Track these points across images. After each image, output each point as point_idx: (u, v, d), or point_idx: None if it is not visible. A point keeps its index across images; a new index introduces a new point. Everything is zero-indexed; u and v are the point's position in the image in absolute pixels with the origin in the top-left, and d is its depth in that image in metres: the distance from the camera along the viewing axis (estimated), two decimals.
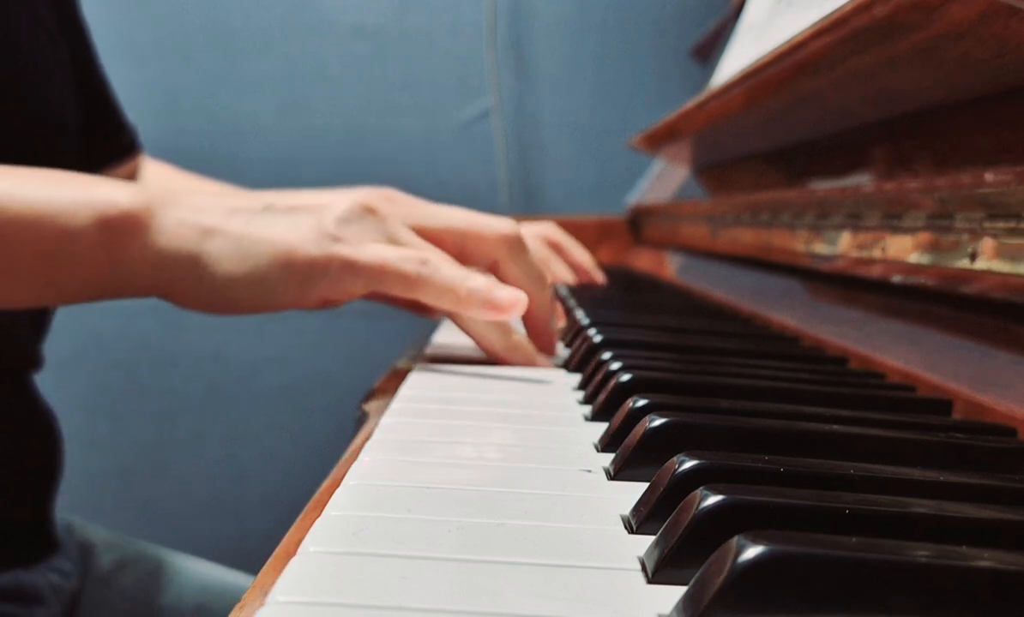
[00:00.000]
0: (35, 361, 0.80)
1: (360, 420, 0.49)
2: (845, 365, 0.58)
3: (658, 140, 1.11)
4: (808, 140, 0.79)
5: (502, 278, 0.59)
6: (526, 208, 1.67)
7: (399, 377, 0.55)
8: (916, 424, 0.41)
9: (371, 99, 1.67)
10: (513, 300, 0.55)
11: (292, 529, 0.31)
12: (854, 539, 0.24)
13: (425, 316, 0.66)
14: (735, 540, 0.23)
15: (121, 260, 0.54)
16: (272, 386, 1.70)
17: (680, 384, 0.47)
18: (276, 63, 1.66)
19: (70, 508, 0.92)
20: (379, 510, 0.31)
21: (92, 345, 1.67)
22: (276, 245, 0.54)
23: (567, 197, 1.69)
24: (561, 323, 0.67)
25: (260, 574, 0.27)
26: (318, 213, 0.55)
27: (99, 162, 0.90)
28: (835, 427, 0.38)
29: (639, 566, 0.28)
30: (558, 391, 0.54)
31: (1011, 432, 0.41)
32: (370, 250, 0.54)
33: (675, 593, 0.25)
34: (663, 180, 1.34)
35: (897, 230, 0.54)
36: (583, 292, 0.93)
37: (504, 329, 0.59)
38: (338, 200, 0.56)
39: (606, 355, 0.52)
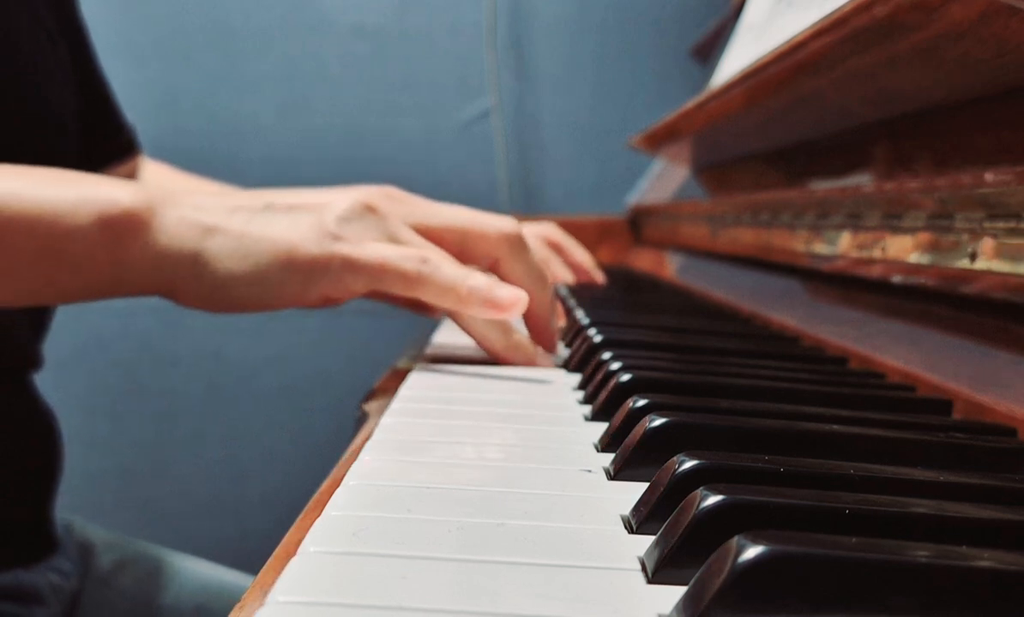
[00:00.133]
0: (35, 361, 0.80)
1: (360, 420, 0.49)
2: (845, 365, 0.58)
3: (658, 140, 1.11)
4: (808, 140, 0.79)
5: (503, 277, 0.59)
6: (526, 208, 1.67)
7: (399, 377, 0.55)
8: (916, 424, 0.41)
9: (371, 99, 1.67)
10: (514, 299, 0.55)
11: (292, 529, 0.31)
12: (854, 539, 0.24)
13: (425, 315, 0.66)
14: (735, 540, 0.23)
15: (122, 259, 0.54)
16: (272, 386, 1.70)
17: (680, 384, 0.47)
18: (276, 63, 1.66)
19: (70, 508, 0.92)
20: (379, 510, 0.31)
21: (92, 345, 1.67)
22: (277, 243, 0.54)
23: (567, 197, 1.69)
24: (561, 323, 0.67)
25: (260, 574, 0.27)
26: (319, 212, 0.55)
27: (98, 162, 0.91)
28: (835, 427, 0.38)
29: (639, 566, 0.28)
30: (558, 391, 0.54)
31: (1011, 432, 0.41)
32: (371, 248, 0.54)
33: (675, 593, 0.25)
34: (663, 180, 1.34)
35: (897, 230, 0.54)
36: (583, 292, 0.93)
37: (505, 328, 0.59)
38: (339, 198, 0.56)
39: (606, 355, 0.52)
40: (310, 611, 0.24)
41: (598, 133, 1.68)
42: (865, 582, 0.23)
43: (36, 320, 0.81)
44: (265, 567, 0.28)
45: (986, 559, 0.24)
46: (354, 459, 0.37)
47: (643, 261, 1.32)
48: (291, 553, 0.27)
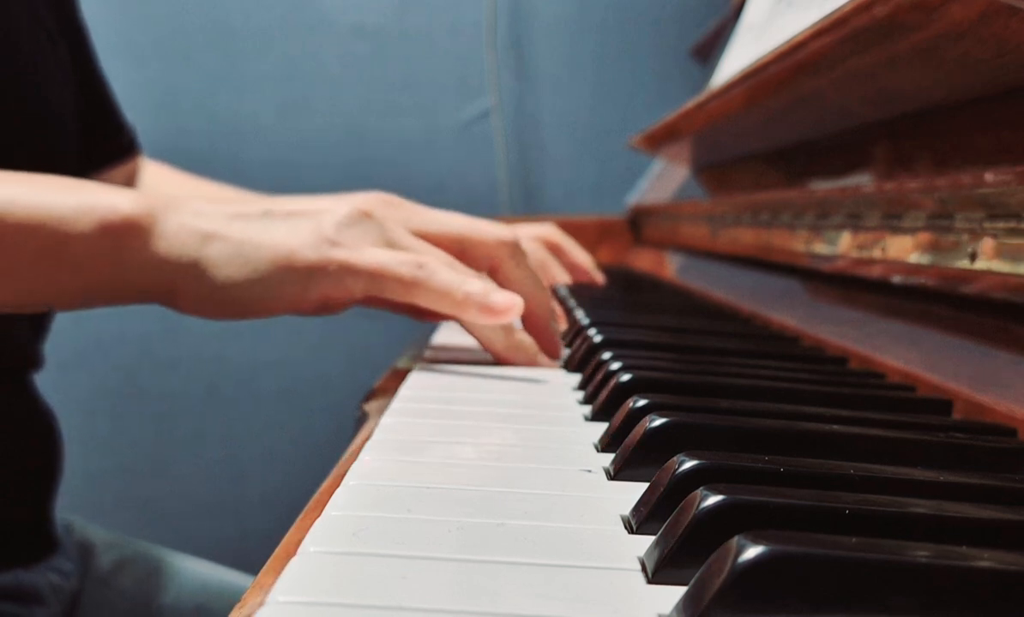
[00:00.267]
0: (35, 361, 0.80)
1: (360, 420, 0.49)
2: (845, 365, 0.58)
3: (658, 140, 1.11)
4: (808, 140, 0.79)
5: (501, 282, 0.60)
6: (526, 208, 1.67)
7: (399, 377, 0.56)
8: (916, 424, 0.41)
9: (371, 99, 1.67)
10: (508, 304, 0.56)
11: (292, 529, 0.31)
12: (854, 539, 0.24)
13: (425, 320, 0.66)
14: (735, 540, 0.23)
15: (122, 265, 0.54)
16: (272, 387, 1.70)
17: (680, 384, 0.47)
18: (276, 63, 1.66)
19: (70, 508, 0.92)
20: (379, 510, 0.31)
21: (93, 346, 1.67)
22: (275, 249, 0.54)
23: (567, 197, 1.69)
24: (562, 326, 0.67)
25: (260, 574, 0.27)
26: (317, 218, 0.56)
27: (98, 162, 0.90)
28: (835, 427, 0.38)
29: (639, 566, 0.28)
30: (558, 391, 0.54)
31: (1011, 432, 0.41)
32: (368, 254, 0.55)
33: (675, 593, 0.25)
34: (663, 180, 1.34)
35: (897, 230, 0.54)
36: (583, 292, 0.93)
37: (507, 328, 0.59)
38: (337, 205, 0.57)
39: (606, 355, 0.52)
40: (310, 611, 0.24)
41: (598, 133, 1.68)
42: (865, 582, 0.23)
43: (36, 321, 0.81)
44: (265, 567, 0.28)
45: (986, 559, 0.24)
46: (354, 459, 0.37)
47: (643, 261, 1.32)
48: (291, 553, 0.27)
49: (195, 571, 0.87)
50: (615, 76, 1.68)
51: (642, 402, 0.41)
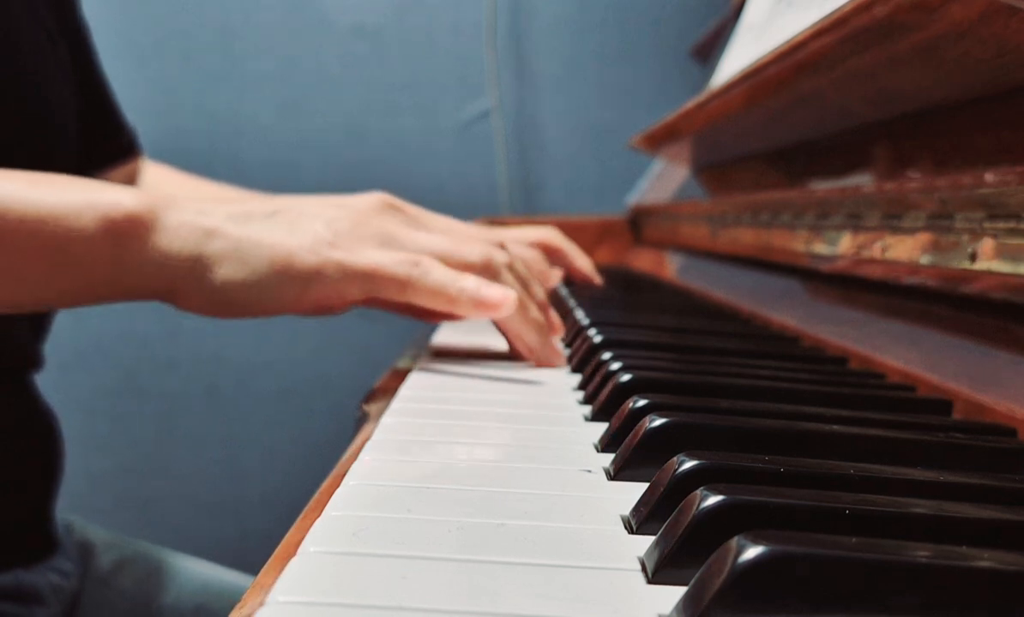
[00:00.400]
0: (35, 361, 0.80)
1: (360, 420, 0.49)
2: (845, 365, 0.58)
3: (658, 140, 1.11)
4: (808, 140, 0.79)
5: None
6: (526, 208, 1.67)
7: (399, 377, 0.56)
8: (916, 424, 0.41)
9: (371, 99, 1.67)
10: (502, 297, 0.56)
11: (292, 529, 0.31)
12: (854, 539, 0.24)
13: (426, 321, 0.66)
14: (735, 540, 0.23)
15: (125, 261, 0.54)
16: (272, 387, 1.70)
17: (680, 384, 0.47)
18: (276, 63, 1.66)
19: (70, 508, 0.92)
20: (379, 510, 0.31)
21: (93, 346, 1.67)
22: (275, 249, 0.55)
23: (567, 197, 1.69)
24: (558, 334, 0.67)
25: (260, 574, 0.27)
26: (317, 220, 0.57)
27: (98, 163, 0.90)
28: (835, 427, 0.38)
29: (639, 566, 0.28)
30: (558, 391, 0.54)
31: (1011, 432, 0.41)
32: (365, 255, 0.56)
33: (675, 593, 0.25)
34: (663, 180, 1.34)
35: (897, 230, 0.54)
36: (583, 292, 0.93)
37: (540, 328, 0.61)
38: (337, 207, 0.58)
39: (606, 355, 0.52)
40: (310, 611, 0.24)
41: (598, 133, 1.68)
42: (865, 582, 0.23)
43: (36, 321, 0.81)
44: (265, 567, 0.28)
45: (986, 559, 0.24)
46: (354, 459, 0.37)
47: (643, 261, 1.32)
48: (291, 553, 0.27)
49: (195, 571, 0.87)
50: (615, 76, 1.68)
51: (642, 402, 0.41)
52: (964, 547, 0.24)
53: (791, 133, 0.81)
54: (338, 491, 0.33)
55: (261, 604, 0.24)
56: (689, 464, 0.31)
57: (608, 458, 0.39)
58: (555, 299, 0.87)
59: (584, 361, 0.58)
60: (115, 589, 0.83)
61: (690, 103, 0.90)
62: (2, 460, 0.75)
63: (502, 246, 0.64)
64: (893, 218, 0.55)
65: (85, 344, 1.66)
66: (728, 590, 0.22)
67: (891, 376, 0.53)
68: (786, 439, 0.37)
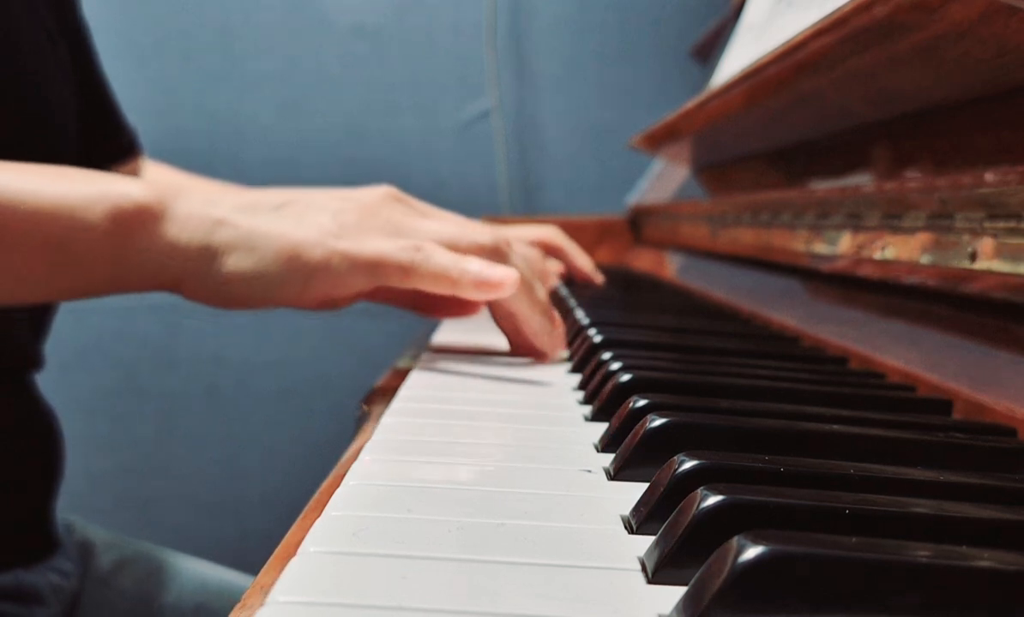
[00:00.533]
0: (36, 361, 0.80)
1: (360, 420, 0.49)
2: (845, 365, 0.58)
3: (658, 140, 1.11)
4: (808, 140, 0.79)
5: None
6: (526, 208, 1.67)
7: (400, 377, 0.56)
8: (916, 424, 0.41)
9: (371, 99, 1.67)
10: (504, 276, 0.56)
11: (292, 529, 0.31)
12: (854, 539, 0.24)
13: (432, 315, 0.66)
14: (735, 540, 0.23)
15: (134, 252, 0.55)
16: (272, 386, 1.70)
17: (680, 384, 0.47)
18: (276, 63, 1.66)
19: (70, 508, 0.92)
20: (379, 510, 0.31)
21: (93, 346, 1.67)
22: (282, 240, 0.55)
23: (567, 197, 1.69)
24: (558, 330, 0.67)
25: (260, 574, 0.27)
26: (323, 212, 0.57)
27: (98, 163, 0.90)
28: (835, 427, 0.38)
29: (639, 566, 0.28)
30: (558, 391, 0.54)
31: (1011, 432, 0.41)
32: (369, 244, 0.56)
33: (675, 593, 0.25)
34: (663, 180, 1.34)
35: (897, 230, 0.54)
36: (583, 292, 0.93)
37: (548, 314, 0.61)
38: (344, 200, 0.58)
39: (606, 355, 0.52)
40: (310, 611, 0.24)
41: (598, 133, 1.68)
42: (865, 582, 0.23)
43: (36, 320, 0.81)
44: (265, 567, 0.28)
45: (986, 559, 0.24)
46: (354, 459, 0.37)
47: (643, 261, 1.32)
48: (291, 553, 0.27)
49: (195, 571, 0.87)
50: (615, 76, 1.68)
51: (642, 402, 0.41)
52: (964, 547, 0.24)
53: (791, 133, 0.81)
54: (338, 491, 0.33)
55: (261, 604, 0.24)
56: (689, 464, 0.31)
57: (608, 458, 0.39)
58: (555, 299, 0.87)
59: (584, 361, 0.58)
60: (115, 589, 0.83)
61: (690, 103, 0.90)
62: (2, 460, 0.75)
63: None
64: (893, 218, 0.55)
65: (85, 344, 1.66)
66: (728, 590, 0.22)
67: (891, 376, 0.53)
68: (786, 439, 0.37)
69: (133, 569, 0.85)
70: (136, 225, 0.54)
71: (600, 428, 0.44)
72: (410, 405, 0.48)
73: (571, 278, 1.02)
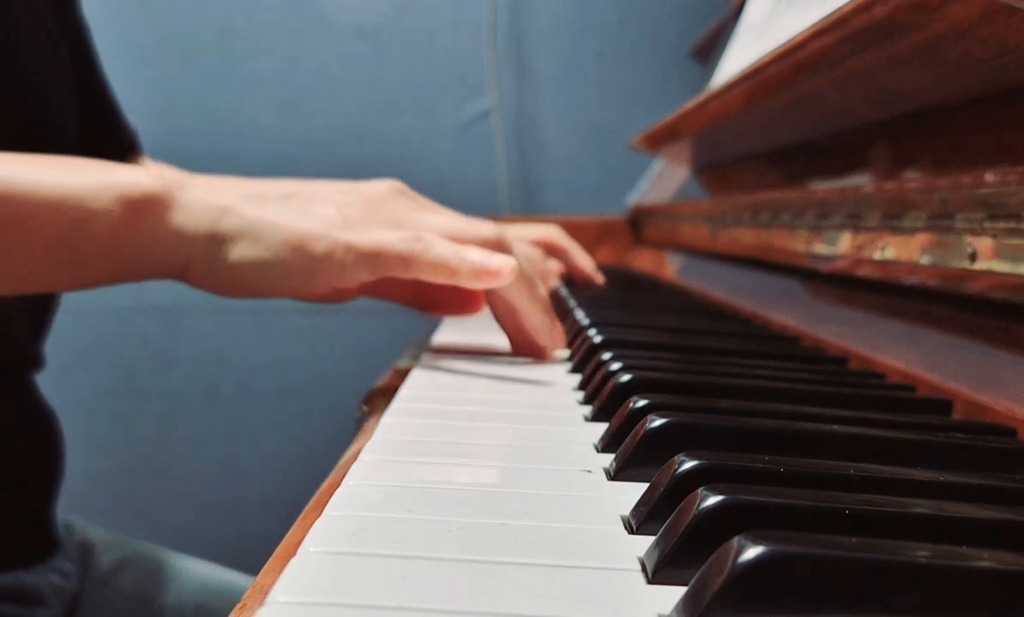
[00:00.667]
0: (36, 361, 0.80)
1: (360, 420, 0.49)
2: (845, 365, 0.58)
3: (658, 140, 1.11)
4: (808, 140, 0.79)
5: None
6: (526, 208, 1.67)
7: (400, 377, 0.56)
8: (916, 424, 0.41)
9: (371, 99, 1.67)
10: (502, 264, 0.57)
11: (292, 529, 0.31)
12: (854, 539, 0.24)
13: (432, 313, 0.67)
14: (735, 540, 0.23)
15: (142, 240, 0.55)
16: (272, 386, 1.70)
17: (680, 384, 0.47)
18: (276, 63, 1.66)
19: (70, 508, 0.92)
20: (379, 510, 0.31)
21: (93, 346, 1.67)
22: (287, 231, 0.56)
23: (567, 197, 1.69)
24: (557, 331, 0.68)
25: (260, 574, 0.27)
26: (328, 204, 0.58)
27: None
28: (835, 427, 0.38)
29: (639, 566, 0.28)
30: (558, 391, 0.54)
31: (1011, 432, 0.41)
32: (372, 235, 0.56)
33: (675, 593, 0.25)
34: (663, 180, 1.34)
35: (897, 230, 0.54)
36: (583, 292, 0.93)
37: (546, 307, 0.61)
38: (349, 192, 0.59)
39: (606, 355, 0.52)
40: (310, 611, 0.24)
41: (598, 133, 1.68)
42: (865, 582, 0.23)
43: (36, 320, 0.81)
44: (265, 567, 0.28)
45: (986, 559, 0.24)
46: (354, 459, 0.37)
47: (643, 261, 1.32)
48: (291, 553, 0.27)
49: (195, 571, 0.87)
50: (615, 76, 1.68)
51: (642, 402, 0.41)
52: (964, 547, 0.24)
53: (791, 133, 0.81)
54: (338, 491, 0.33)
55: (261, 604, 0.24)
56: (689, 464, 0.31)
57: (608, 458, 0.39)
58: (555, 299, 0.87)
59: (584, 361, 0.58)
60: (115, 589, 0.83)
61: (690, 103, 0.90)
62: (2, 460, 0.75)
63: None
64: (893, 218, 0.55)
65: (85, 344, 1.66)
66: (728, 590, 0.22)
67: (891, 376, 0.53)
68: (786, 439, 0.37)
69: (133, 569, 0.85)
70: (144, 213, 0.55)
71: (600, 428, 0.44)
72: (410, 405, 0.48)
73: (571, 278, 1.02)
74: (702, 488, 0.28)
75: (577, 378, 0.57)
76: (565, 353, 0.65)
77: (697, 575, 0.24)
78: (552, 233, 1.01)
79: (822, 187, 0.72)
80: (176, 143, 1.54)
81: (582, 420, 0.47)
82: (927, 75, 0.54)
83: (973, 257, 0.46)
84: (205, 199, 0.56)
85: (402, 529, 0.29)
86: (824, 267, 0.66)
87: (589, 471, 0.37)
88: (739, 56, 0.90)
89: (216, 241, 0.56)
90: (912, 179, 0.57)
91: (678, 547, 0.26)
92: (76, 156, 0.81)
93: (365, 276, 0.57)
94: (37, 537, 0.78)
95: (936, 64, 0.51)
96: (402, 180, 0.63)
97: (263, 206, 0.57)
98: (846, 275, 0.63)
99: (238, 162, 1.63)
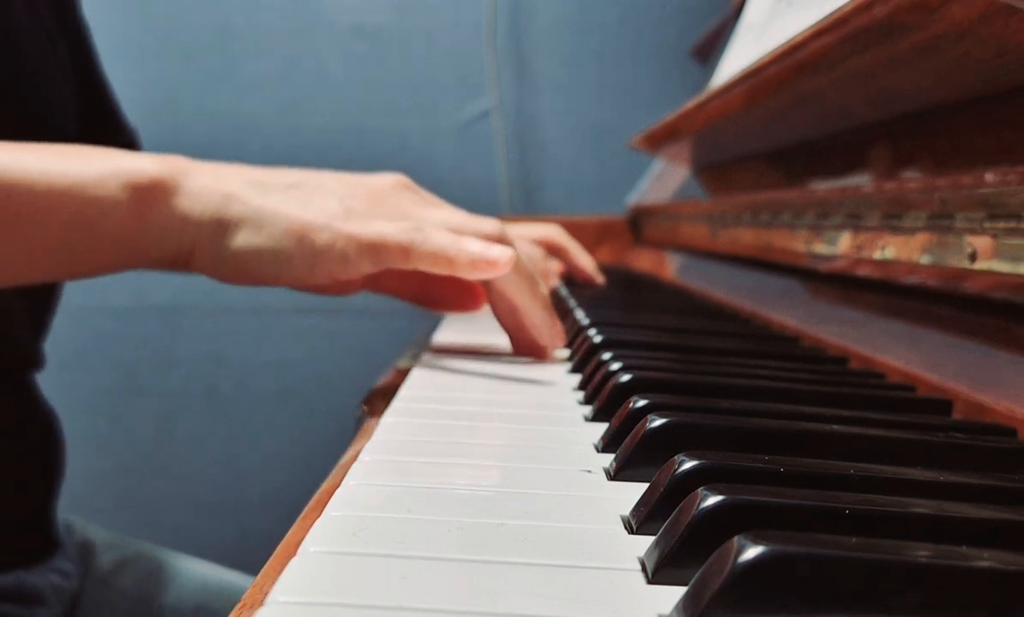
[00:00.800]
0: (36, 361, 0.80)
1: (360, 420, 0.49)
2: (845, 365, 0.58)
3: (658, 140, 1.11)
4: (808, 140, 0.79)
5: (493, 284, 0.60)
6: (526, 208, 1.67)
7: (400, 376, 0.56)
8: (916, 424, 0.41)
9: (371, 99, 1.67)
10: (500, 254, 0.57)
11: (292, 529, 0.31)
12: (854, 539, 0.24)
13: (433, 309, 0.67)
14: (735, 540, 0.23)
15: (148, 226, 0.56)
16: (272, 386, 1.70)
17: (680, 384, 0.47)
18: (276, 63, 1.66)
19: (70, 508, 0.92)
20: (379, 510, 0.31)
21: (93, 346, 1.67)
22: (290, 221, 0.56)
23: (567, 197, 1.69)
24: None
25: (260, 574, 0.27)
26: (332, 196, 0.58)
27: None
28: (835, 427, 0.38)
29: (639, 566, 0.28)
30: (558, 391, 0.54)
31: (1011, 432, 0.41)
32: (373, 226, 0.57)
33: (675, 593, 0.25)
34: (663, 180, 1.34)
35: (897, 230, 0.54)
36: (583, 292, 0.93)
37: (545, 303, 0.61)
38: (353, 184, 0.59)
39: (606, 355, 0.52)
40: (310, 611, 0.24)
41: (598, 133, 1.68)
42: (865, 582, 0.23)
43: (36, 319, 0.81)
44: (265, 567, 0.28)
45: (986, 559, 0.24)
46: (354, 459, 0.37)
47: (643, 261, 1.32)
48: (291, 553, 0.27)
49: (195, 571, 0.87)
50: (615, 76, 1.68)
51: (642, 402, 0.41)
52: (964, 547, 0.24)
53: (791, 133, 0.81)
54: (338, 491, 0.33)
55: (261, 604, 0.24)
56: (689, 464, 0.31)
57: (608, 458, 0.39)
58: (555, 299, 0.87)
59: (584, 361, 0.58)
60: (115, 589, 0.83)
61: (690, 103, 0.90)
62: (2, 460, 0.75)
63: None
64: (893, 218, 0.55)
65: (85, 344, 1.66)
66: (728, 590, 0.22)
67: (891, 376, 0.53)
68: (786, 439, 0.37)
69: (133, 569, 0.85)
70: (150, 199, 0.55)
71: (600, 428, 0.44)
72: (410, 405, 0.48)
73: (571, 278, 1.02)
74: (702, 488, 0.28)
75: (577, 378, 0.57)
76: (565, 353, 0.65)
77: (697, 575, 0.24)
78: (553, 232, 1.01)
79: (822, 187, 0.72)
80: (176, 143, 1.53)
81: (582, 420, 0.47)
82: (927, 75, 0.54)
83: (973, 257, 0.46)
84: (211, 185, 0.57)
85: (402, 529, 0.29)
86: (824, 267, 0.66)
87: (589, 471, 0.37)
88: (739, 56, 0.90)
89: (221, 227, 0.56)
90: (912, 179, 0.57)
91: (678, 547, 0.26)
92: None
93: (367, 267, 0.57)
94: (37, 537, 0.78)
95: (936, 64, 0.51)
96: None
97: (267, 194, 0.57)
98: (846, 275, 0.63)
99: (238, 162, 1.63)
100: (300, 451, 1.68)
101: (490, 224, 0.60)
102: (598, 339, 0.59)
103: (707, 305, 0.87)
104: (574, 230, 1.23)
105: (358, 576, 0.26)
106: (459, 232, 0.58)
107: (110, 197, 0.55)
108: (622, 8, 1.68)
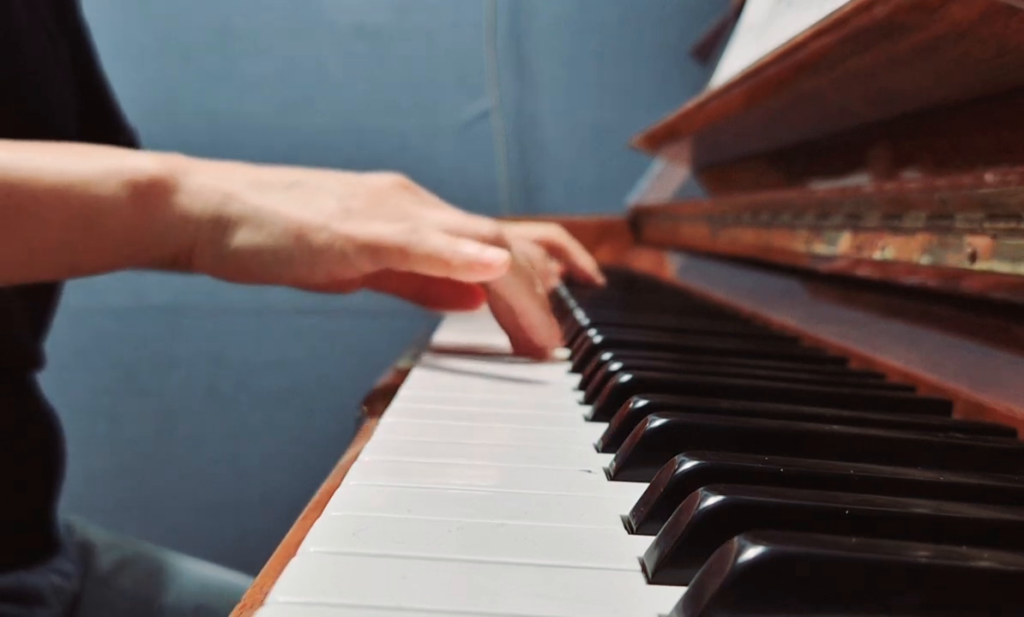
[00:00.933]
0: (36, 361, 0.80)
1: (360, 420, 0.49)
2: (845, 365, 0.58)
3: (658, 140, 1.11)
4: (808, 140, 0.79)
5: (491, 284, 0.60)
6: (526, 208, 1.67)
7: (400, 377, 0.56)
8: (916, 424, 0.41)
9: (371, 99, 1.67)
10: (496, 256, 0.57)
11: (292, 529, 0.31)
12: (854, 539, 0.24)
13: (433, 308, 0.67)
14: (735, 540, 0.23)
15: (149, 224, 0.56)
16: (272, 386, 1.70)
17: (680, 384, 0.47)
18: (276, 63, 1.66)
19: (70, 508, 0.92)
20: (379, 510, 0.31)
21: (93, 346, 1.67)
22: (289, 220, 0.57)
23: (567, 197, 1.69)
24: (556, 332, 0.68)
25: (260, 574, 0.27)
26: (332, 196, 0.58)
27: None
28: (835, 427, 0.38)
29: (639, 566, 0.28)
30: (558, 391, 0.54)
31: (1011, 432, 0.41)
32: (371, 227, 0.57)
33: (675, 593, 0.25)
34: (663, 180, 1.34)
35: (897, 230, 0.54)
36: (583, 292, 0.93)
37: (543, 303, 0.61)
38: (353, 184, 0.59)
39: (606, 355, 0.52)
40: (310, 611, 0.24)
41: (598, 133, 1.68)
42: (865, 582, 0.23)
43: (37, 319, 0.81)
44: (265, 567, 0.28)
45: (986, 559, 0.24)
46: (354, 459, 0.37)
47: (643, 261, 1.32)
48: (291, 553, 0.27)
49: (195, 571, 0.87)
50: (615, 76, 1.68)
51: (642, 402, 0.41)
52: (964, 547, 0.24)
53: (791, 133, 0.81)
54: (338, 491, 0.33)
55: (261, 604, 0.24)
56: (689, 464, 0.31)
57: (608, 458, 0.39)
58: (555, 299, 0.87)
59: (584, 361, 0.58)
60: (115, 589, 0.83)
61: (690, 103, 0.90)
62: (2, 460, 0.75)
63: None
64: (893, 218, 0.55)
65: (85, 344, 1.66)
66: (728, 590, 0.22)
67: (891, 376, 0.53)
68: (786, 439, 0.37)
69: (133, 570, 0.85)
70: (150, 197, 0.56)
71: (600, 428, 0.44)
72: (410, 405, 0.48)
73: (571, 278, 1.02)
74: (702, 488, 0.28)
75: (577, 378, 0.57)
76: (565, 353, 0.65)
77: (697, 575, 0.24)
78: (553, 232, 1.01)
79: (822, 187, 0.72)
80: (176, 143, 1.54)
81: (582, 420, 0.47)
82: (927, 75, 0.54)
83: (973, 257, 0.46)
84: (211, 184, 0.57)
85: (402, 529, 0.29)
86: (824, 267, 0.66)
87: (589, 471, 0.37)
88: (739, 56, 0.90)
89: (220, 226, 0.56)
90: (912, 179, 0.57)
91: (678, 547, 0.26)
92: None
93: (367, 267, 0.57)
94: (37, 537, 0.78)
95: (936, 64, 0.51)
96: None
97: (267, 194, 0.58)
98: (846, 275, 0.63)
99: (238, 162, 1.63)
100: (300, 451, 1.68)
101: (488, 225, 0.60)
102: (598, 339, 0.59)
103: (707, 305, 0.87)
104: (574, 230, 1.23)
105: (358, 576, 0.26)
106: (456, 233, 0.58)
107: (110, 195, 0.55)
108: (622, 8, 1.68)
